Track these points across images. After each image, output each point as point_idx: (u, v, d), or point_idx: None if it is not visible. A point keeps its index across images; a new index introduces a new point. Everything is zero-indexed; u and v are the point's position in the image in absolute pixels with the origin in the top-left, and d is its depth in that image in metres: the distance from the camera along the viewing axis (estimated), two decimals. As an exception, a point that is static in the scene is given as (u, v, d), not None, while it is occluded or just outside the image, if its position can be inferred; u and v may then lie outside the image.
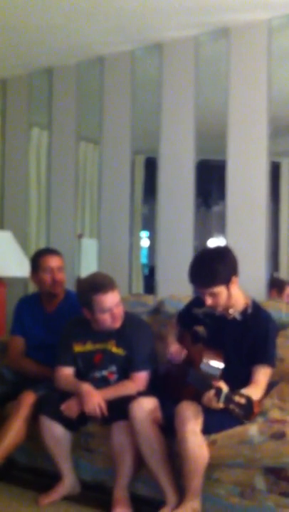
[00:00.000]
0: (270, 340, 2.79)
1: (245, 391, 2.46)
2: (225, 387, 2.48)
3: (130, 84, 4.26)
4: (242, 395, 2.40)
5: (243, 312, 2.85)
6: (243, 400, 2.39)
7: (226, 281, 2.74)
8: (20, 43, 4.14)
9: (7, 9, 3.60)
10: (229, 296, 2.78)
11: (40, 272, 3.39)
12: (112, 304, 2.94)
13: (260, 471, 2.52)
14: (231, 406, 2.40)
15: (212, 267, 2.73)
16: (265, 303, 3.10)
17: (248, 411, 2.38)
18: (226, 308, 2.82)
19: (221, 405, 2.45)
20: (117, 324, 3.00)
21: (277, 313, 3.06)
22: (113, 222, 4.32)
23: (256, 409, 2.40)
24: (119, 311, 2.99)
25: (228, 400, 2.42)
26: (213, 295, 2.75)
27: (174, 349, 2.98)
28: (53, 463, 3.00)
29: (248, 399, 2.39)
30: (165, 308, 3.55)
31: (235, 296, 2.82)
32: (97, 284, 2.96)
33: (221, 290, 2.74)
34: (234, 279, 2.78)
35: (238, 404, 2.39)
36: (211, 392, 2.48)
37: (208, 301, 2.76)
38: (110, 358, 3.04)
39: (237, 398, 2.40)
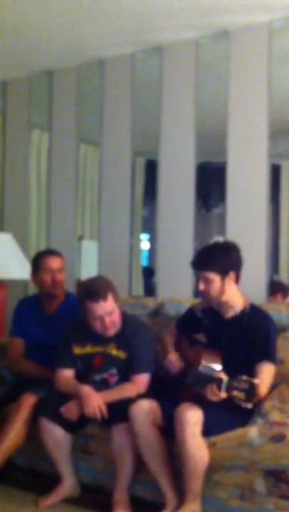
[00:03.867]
0: (271, 337, 2.81)
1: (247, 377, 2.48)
2: (225, 377, 2.50)
3: (130, 87, 4.26)
4: (243, 380, 2.43)
5: (241, 312, 2.86)
6: (245, 385, 2.42)
7: (222, 272, 2.79)
8: (20, 45, 4.15)
9: (7, 11, 3.61)
10: (222, 289, 2.80)
11: (40, 273, 3.40)
12: (102, 313, 2.92)
13: (260, 474, 2.51)
14: (234, 392, 2.43)
15: (213, 253, 2.82)
16: (265, 305, 3.09)
17: (251, 394, 2.40)
18: (218, 299, 2.83)
19: (224, 395, 2.47)
20: (109, 332, 2.98)
21: (278, 315, 3.06)
22: (113, 224, 4.32)
23: (258, 393, 2.42)
24: (111, 320, 2.95)
25: (230, 387, 2.45)
26: (206, 281, 2.79)
27: (173, 357, 2.98)
28: (53, 465, 3.00)
29: (250, 382, 2.41)
30: (165, 310, 3.55)
31: (231, 294, 2.84)
32: (90, 291, 2.94)
33: (214, 278, 2.78)
34: (232, 274, 2.81)
35: (241, 389, 2.42)
36: (213, 385, 2.50)
37: (201, 285, 2.82)
38: (110, 361, 3.03)
39: (237, 383, 2.43)
